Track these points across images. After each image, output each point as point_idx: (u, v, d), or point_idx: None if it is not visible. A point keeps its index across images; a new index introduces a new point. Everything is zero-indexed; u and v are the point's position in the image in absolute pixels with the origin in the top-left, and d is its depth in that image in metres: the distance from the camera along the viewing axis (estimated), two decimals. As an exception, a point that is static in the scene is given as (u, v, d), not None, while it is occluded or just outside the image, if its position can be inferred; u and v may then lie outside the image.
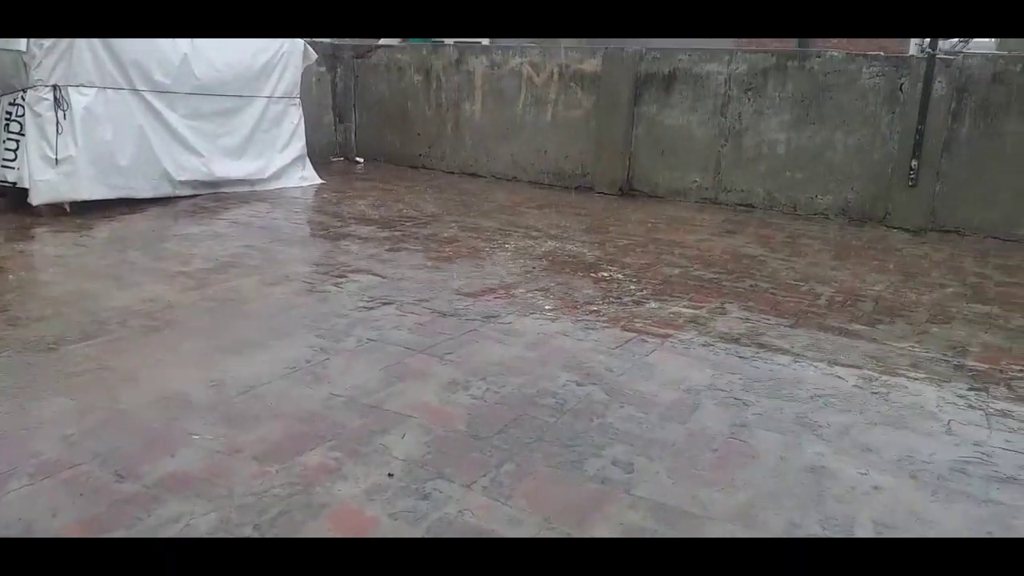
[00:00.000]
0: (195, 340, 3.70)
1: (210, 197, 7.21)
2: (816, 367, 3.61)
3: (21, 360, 3.38)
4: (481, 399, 3.13)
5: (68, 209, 6.26)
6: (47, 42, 6.09)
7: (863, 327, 4.21)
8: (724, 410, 3.11)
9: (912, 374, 3.58)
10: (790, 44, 23.13)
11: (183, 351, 3.57)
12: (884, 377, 3.53)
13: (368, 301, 4.36)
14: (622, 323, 4.13)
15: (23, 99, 6.14)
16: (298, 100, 8.20)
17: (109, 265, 4.95)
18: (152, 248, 5.41)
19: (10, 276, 4.65)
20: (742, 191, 7.64)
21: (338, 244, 5.72)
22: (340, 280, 4.78)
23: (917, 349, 3.91)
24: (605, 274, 5.11)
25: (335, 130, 10.14)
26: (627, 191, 8.19)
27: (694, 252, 5.80)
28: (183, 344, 3.65)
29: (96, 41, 6.35)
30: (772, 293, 4.78)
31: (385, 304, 4.31)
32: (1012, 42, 22.64)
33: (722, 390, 3.31)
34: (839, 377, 3.51)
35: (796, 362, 3.66)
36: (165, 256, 5.21)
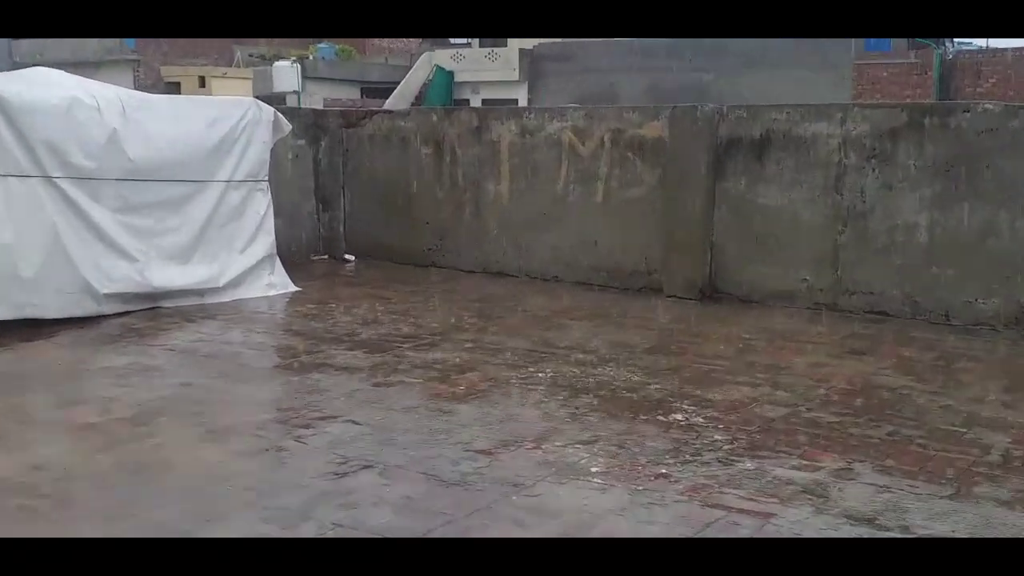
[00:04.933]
0: (89, 529, 3.53)
1: (145, 314, 7.24)
2: (994, 565, 3.27)
3: None
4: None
5: (-50, 337, 6.25)
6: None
7: (1060, 499, 3.89)
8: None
9: None
10: (927, 96, 23.21)
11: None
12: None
13: (340, 463, 4.24)
14: (702, 495, 3.92)
15: None
16: (266, 183, 8.33)
17: (-9, 416, 4.90)
18: (57, 390, 5.39)
19: None
20: (871, 293, 7.42)
21: (308, 378, 5.67)
22: (304, 432, 4.69)
23: None
24: (679, 416, 4.95)
25: (318, 221, 10.31)
26: (709, 294, 8.04)
27: (806, 382, 5.61)
28: (72, 536, 3.45)
29: (-4, 116, 6.51)
30: (920, 445, 4.54)
31: (364, 468, 4.19)
32: None
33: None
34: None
35: (963, 557, 3.34)
36: (73, 401, 5.16)
